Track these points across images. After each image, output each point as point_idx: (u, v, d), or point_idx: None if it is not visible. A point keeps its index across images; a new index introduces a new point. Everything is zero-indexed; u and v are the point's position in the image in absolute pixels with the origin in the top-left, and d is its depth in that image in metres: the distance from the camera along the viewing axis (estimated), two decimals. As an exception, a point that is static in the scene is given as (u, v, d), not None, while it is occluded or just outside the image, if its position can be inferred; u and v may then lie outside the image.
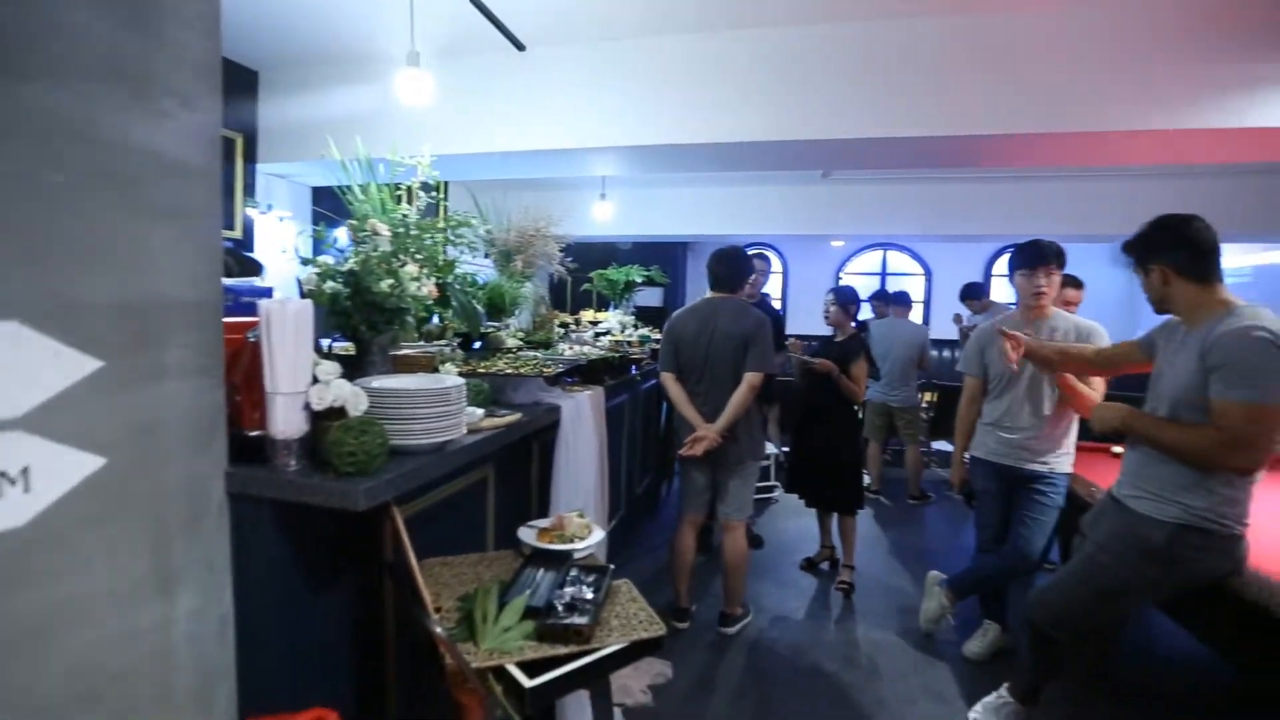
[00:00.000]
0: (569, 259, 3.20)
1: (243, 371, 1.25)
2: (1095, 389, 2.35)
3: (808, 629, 2.93)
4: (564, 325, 3.77)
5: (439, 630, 1.13)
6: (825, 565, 3.56)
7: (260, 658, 1.26)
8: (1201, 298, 1.66)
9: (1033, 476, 2.47)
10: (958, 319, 5.58)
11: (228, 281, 1.48)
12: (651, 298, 7.33)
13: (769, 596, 3.22)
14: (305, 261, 1.50)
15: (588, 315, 4.47)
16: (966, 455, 2.74)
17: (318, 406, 1.20)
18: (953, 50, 2.92)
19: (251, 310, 1.22)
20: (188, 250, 1.09)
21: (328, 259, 1.57)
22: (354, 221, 1.55)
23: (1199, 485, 1.60)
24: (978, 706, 2.28)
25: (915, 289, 8.63)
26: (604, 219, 5.65)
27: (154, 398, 1.04)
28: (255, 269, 3.46)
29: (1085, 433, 2.40)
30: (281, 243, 3.80)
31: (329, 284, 1.53)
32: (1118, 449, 2.17)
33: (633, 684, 2.39)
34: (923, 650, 2.76)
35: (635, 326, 4.26)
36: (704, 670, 2.55)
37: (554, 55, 3.39)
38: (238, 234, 3.87)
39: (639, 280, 4.44)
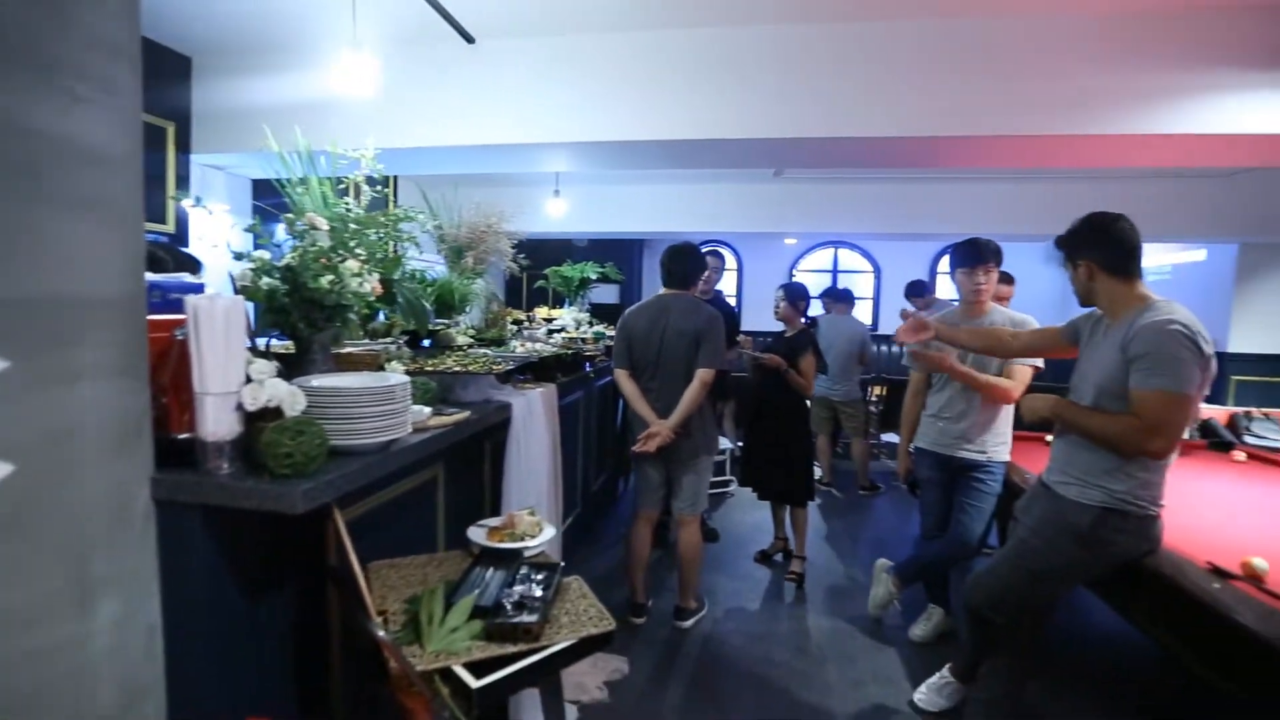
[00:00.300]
0: (521, 256, 3.17)
1: (170, 371, 1.20)
2: (1020, 381, 2.47)
3: (761, 619, 2.98)
4: (517, 322, 3.73)
5: (381, 633, 1.10)
6: (779, 557, 3.63)
7: (193, 669, 1.21)
8: (1123, 293, 1.76)
9: (972, 465, 2.57)
10: (904, 315, 5.76)
11: (154, 277, 1.41)
12: (608, 295, 7.32)
13: (724, 589, 3.26)
14: (238, 256, 1.43)
15: (542, 312, 4.44)
16: (912, 446, 2.83)
17: (251, 407, 1.16)
18: (898, 54, 3.01)
19: (181, 308, 1.17)
20: (105, 244, 1.03)
21: (264, 254, 1.51)
22: (290, 215, 1.50)
23: (1118, 470, 1.70)
24: (922, 687, 2.36)
25: (865, 286, 8.87)
26: (558, 215, 5.61)
27: (69, 400, 0.98)
28: (193, 265, 3.29)
29: (1019, 423, 2.52)
30: (220, 237, 3.64)
31: (265, 280, 1.47)
32: (1051, 438, 2.31)
33: (589, 681, 2.39)
34: (871, 636, 2.85)
35: (590, 323, 4.25)
36: (660, 664, 2.57)
37: (504, 48, 3.33)
38: (170, 228, 3.68)
39: (594, 277, 4.43)
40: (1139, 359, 1.62)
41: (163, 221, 3.67)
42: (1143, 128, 2.88)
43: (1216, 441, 3.59)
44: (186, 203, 3.64)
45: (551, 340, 3.39)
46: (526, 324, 3.76)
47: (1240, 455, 3.30)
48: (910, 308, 5.52)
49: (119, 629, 1.06)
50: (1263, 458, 3.26)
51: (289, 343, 1.68)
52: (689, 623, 2.86)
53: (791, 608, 3.12)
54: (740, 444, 4.58)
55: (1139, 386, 1.62)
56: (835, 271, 8.91)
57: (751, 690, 2.42)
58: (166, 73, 3.54)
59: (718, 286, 4.20)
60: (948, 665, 2.36)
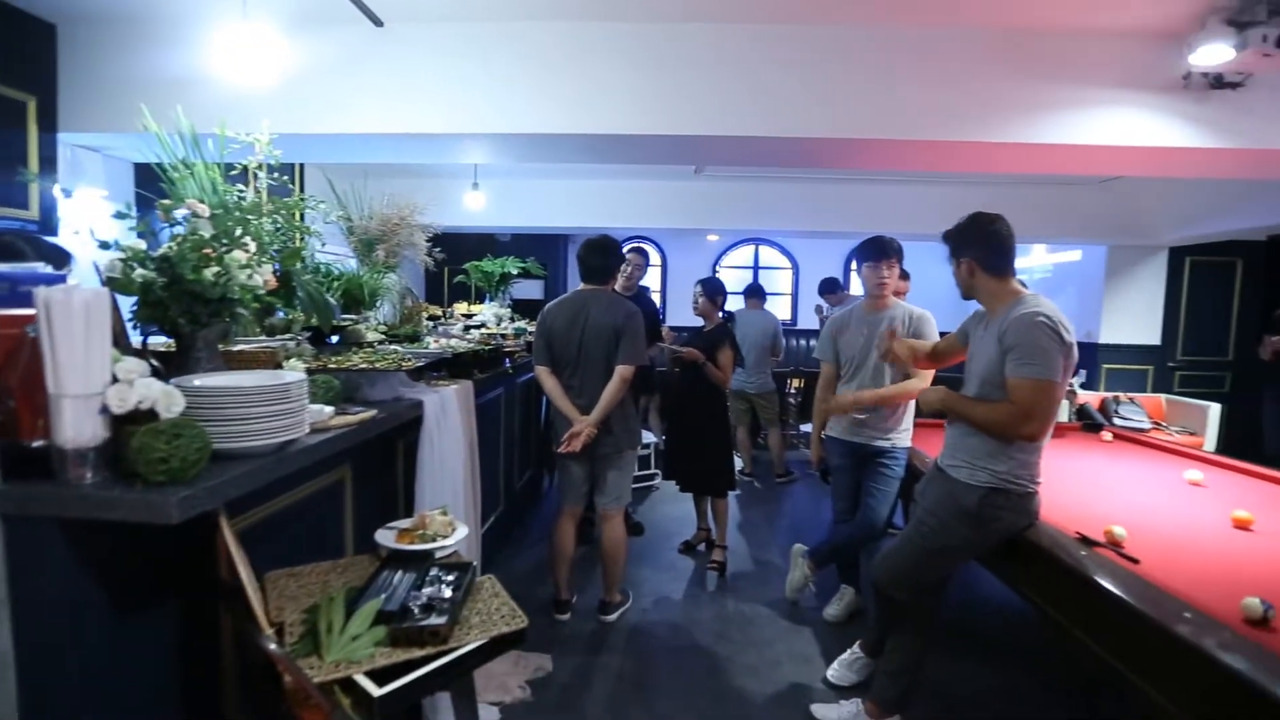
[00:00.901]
0: (438, 250, 3.06)
1: (19, 372, 1.07)
2: (924, 378, 2.63)
3: (684, 609, 3.03)
4: (433, 318, 3.62)
5: (272, 646, 1.04)
6: (702, 547, 3.70)
7: (58, 701, 1.09)
8: (998, 289, 1.91)
9: (878, 451, 2.72)
10: (819, 310, 6.01)
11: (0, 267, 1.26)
12: (532, 290, 7.21)
13: (649, 581, 3.30)
14: (105, 245, 1.30)
15: (461, 308, 4.33)
16: (824, 435, 2.96)
17: (119, 410, 1.06)
18: (812, 58, 3.11)
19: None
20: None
21: (138, 243, 1.38)
22: (165, 202, 1.38)
23: (1000, 452, 1.85)
24: (834, 664, 2.48)
25: (784, 282, 9.18)
26: (477, 208, 5.46)
27: (-113, 405, 0.86)
28: (60, 257, 2.97)
29: (919, 412, 2.69)
30: (84, 224, 3.26)
31: (139, 272, 1.35)
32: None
33: (511, 681, 2.36)
34: (789, 618, 2.96)
35: (512, 319, 4.18)
36: (584, 660, 2.57)
37: (415, 33, 3.19)
38: (34, 214, 3.29)
39: (515, 272, 4.36)
40: (1011, 350, 1.77)
41: (25, 208, 3.28)
42: (1030, 137, 3.13)
43: (1089, 423, 3.97)
44: (57, 189, 3.28)
45: (469, 336, 3.30)
46: (442, 319, 3.64)
47: (1108, 435, 3.65)
48: (824, 304, 5.79)
49: (-41, 661, 0.94)
50: (1127, 437, 3.64)
51: (172, 340, 1.54)
52: (613, 616, 2.87)
53: (714, 595, 3.19)
54: (665, 437, 4.64)
55: (1012, 375, 1.77)
56: (756, 268, 9.17)
57: (675, 678, 2.46)
58: (26, 41, 3.16)
59: (643, 283, 4.22)
60: (858, 642, 2.50)
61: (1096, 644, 1.64)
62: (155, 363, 1.23)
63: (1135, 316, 6.21)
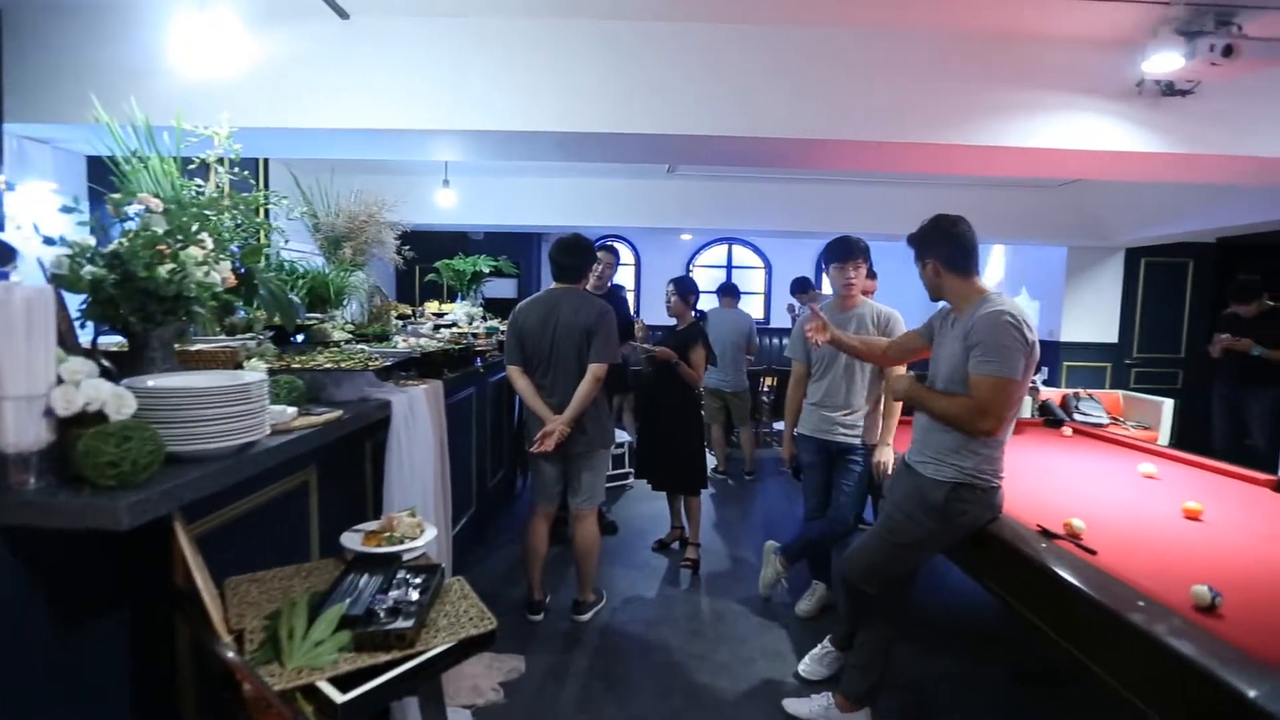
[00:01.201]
0: (407, 247, 3.01)
1: (-43, 373, 1.02)
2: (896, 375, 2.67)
3: (657, 607, 3.04)
4: (403, 317, 3.56)
5: (230, 654, 1.01)
6: (676, 545, 3.71)
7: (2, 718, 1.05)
8: (964, 288, 1.95)
9: (848, 449, 2.76)
10: (791, 309, 6.08)
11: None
12: (506, 289, 7.15)
13: (622, 580, 3.29)
14: (49, 240, 1.25)
15: (432, 307, 4.27)
16: (796, 432, 2.99)
17: (64, 412, 1.01)
18: (781, 58, 3.14)
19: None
20: None
21: (88, 239, 1.33)
22: (116, 196, 1.32)
23: (964, 448, 1.89)
24: (806, 659, 2.51)
25: (757, 281, 9.26)
26: (448, 206, 5.38)
27: None
28: (3, 254, 2.85)
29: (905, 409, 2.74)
30: (27, 219, 3.11)
31: (88, 269, 1.29)
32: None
33: (484, 683, 2.33)
34: (761, 614, 2.98)
35: (484, 318, 4.14)
36: (558, 659, 2.55)
37: (383, 27, 3.13)
38: (-23, 209, 3.15)
39: (486, 271, 4.32)
40: (975, 346, 1.81)
41: (-33, 201, 3.13)
42: (992, 140, 3.20)
43: (1051, 419, 4.08)
44: (1, 181, 3.13)
45: (439, 335, 3.26)
46: (412, 318, 3.59)
47: (1068, 430, 3.76)
48: (796, 303, 5.86)
49: (-110, 678, 0.89)
50: (1086, 432, 3.75)
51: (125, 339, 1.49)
52: (587, 616, 2.86)
53: (687, 593, 3.20)
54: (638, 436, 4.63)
55: (974, 371, 1.81)
56: (729, 267, 9.23)
57: (648, 677, 2.46)
58: (-32, 27, 3.03)
59: (616, 281, 4.21)
60: (829, 636, 2.53)
61: (1057, 633, 1.68)
62: (105, 363, 1.19)
63: (1094, 315, 6.41)
